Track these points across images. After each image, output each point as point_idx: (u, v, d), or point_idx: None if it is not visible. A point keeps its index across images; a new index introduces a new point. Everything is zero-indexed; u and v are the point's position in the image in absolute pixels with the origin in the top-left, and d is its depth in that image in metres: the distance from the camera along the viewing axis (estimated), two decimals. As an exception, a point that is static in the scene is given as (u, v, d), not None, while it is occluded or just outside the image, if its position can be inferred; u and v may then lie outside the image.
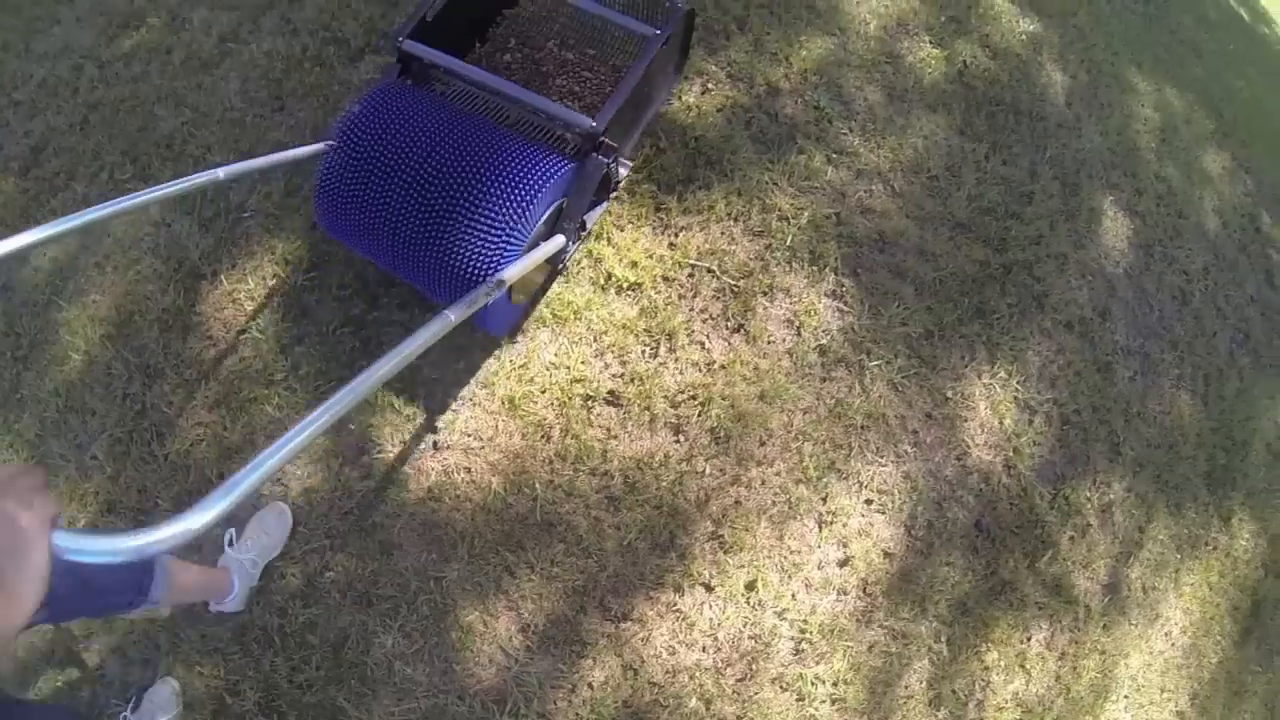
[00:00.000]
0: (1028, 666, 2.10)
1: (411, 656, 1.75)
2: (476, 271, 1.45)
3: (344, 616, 1.80)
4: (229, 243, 2.23)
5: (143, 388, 2.07)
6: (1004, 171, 2.62)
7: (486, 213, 1.46)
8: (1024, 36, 3.27)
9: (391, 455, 1.82)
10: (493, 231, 1.45)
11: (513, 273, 1.38)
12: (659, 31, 1.74)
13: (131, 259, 2.28)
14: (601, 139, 1.62)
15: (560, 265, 1.80)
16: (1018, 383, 2.26)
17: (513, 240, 1.47)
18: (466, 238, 1.46)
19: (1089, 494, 2.34)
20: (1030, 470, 2.20)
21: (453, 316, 1.19)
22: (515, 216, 1.47)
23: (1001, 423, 2.18)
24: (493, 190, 1.47)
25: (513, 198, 1.48)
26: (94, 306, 2.22)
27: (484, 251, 1.45)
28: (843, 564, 1.83)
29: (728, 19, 2.52)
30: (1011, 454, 2.17)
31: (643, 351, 1.92)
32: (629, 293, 1.96)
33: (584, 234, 1.85)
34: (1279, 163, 4.27)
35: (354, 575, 1.79)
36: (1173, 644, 2.52)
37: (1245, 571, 2.80)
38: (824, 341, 2.01)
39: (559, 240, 1.61)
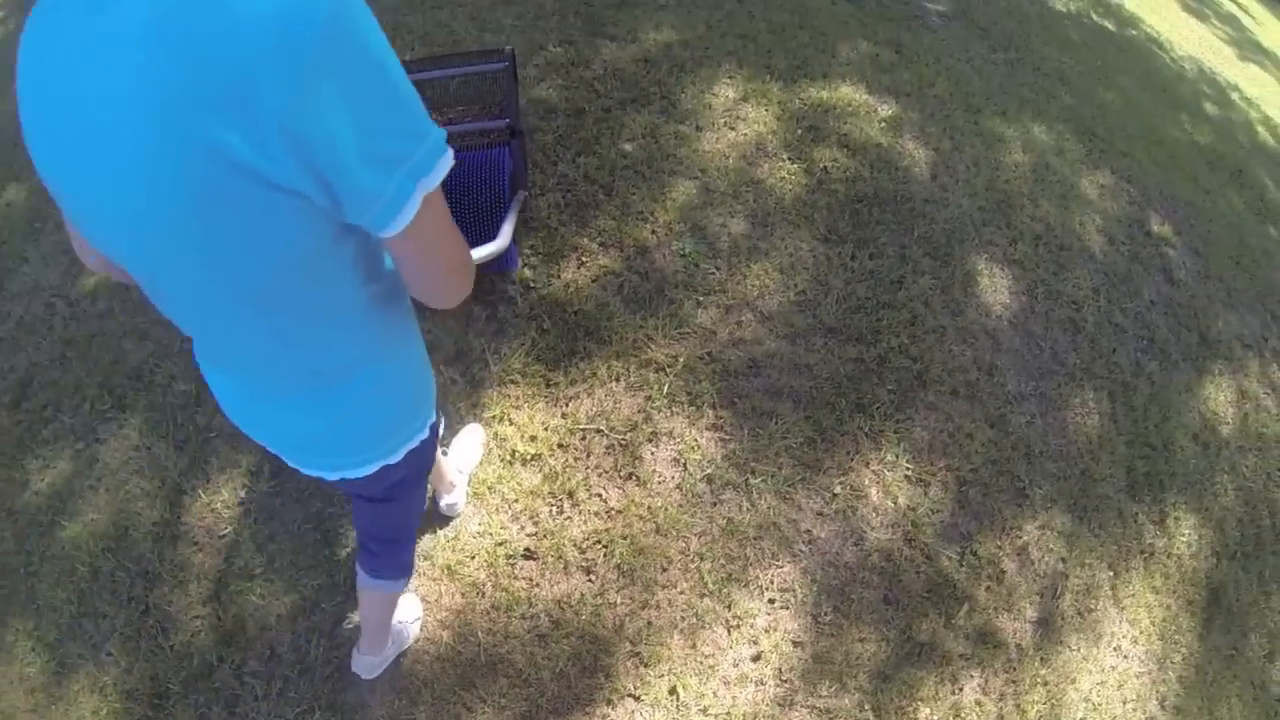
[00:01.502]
0: (964, 716, 2.26)
1: None
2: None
3: None
4: (201, 460, 2.51)
5: (144, 591, 2.34)
6: (871, 265, 2.88)
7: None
8: (883, 124, 3.55)
9: (356, 625, 2.11)
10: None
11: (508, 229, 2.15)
12: (505, 64, 2.49)
13: (120, 480, 2.55)
14: (517, 127, 2.37)
15: (528, 211, 2.55)
16: (906, 461, 2.48)
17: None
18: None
19: (999, 543, 2.52)
20: (932, 537, 2.40)
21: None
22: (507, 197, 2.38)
23: (895, 502, 2.39)
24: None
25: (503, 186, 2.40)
26: (93, 524, 2.49)
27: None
28: (755, 659, 2.03)
29: (595, 188, 2.83)
30: (910, 528, 2.38)
31: (550, 511, 2.17)
32: (532, 463, 2.22)
33: (530, 188, 2.67)
34: (1159, 161, 4.43)
35: None
36: (1125, 657, 2.63)
37: (1194, 565, 2.90)
38: (709, 471, 2.24)
39: (521, 194, 2.38)
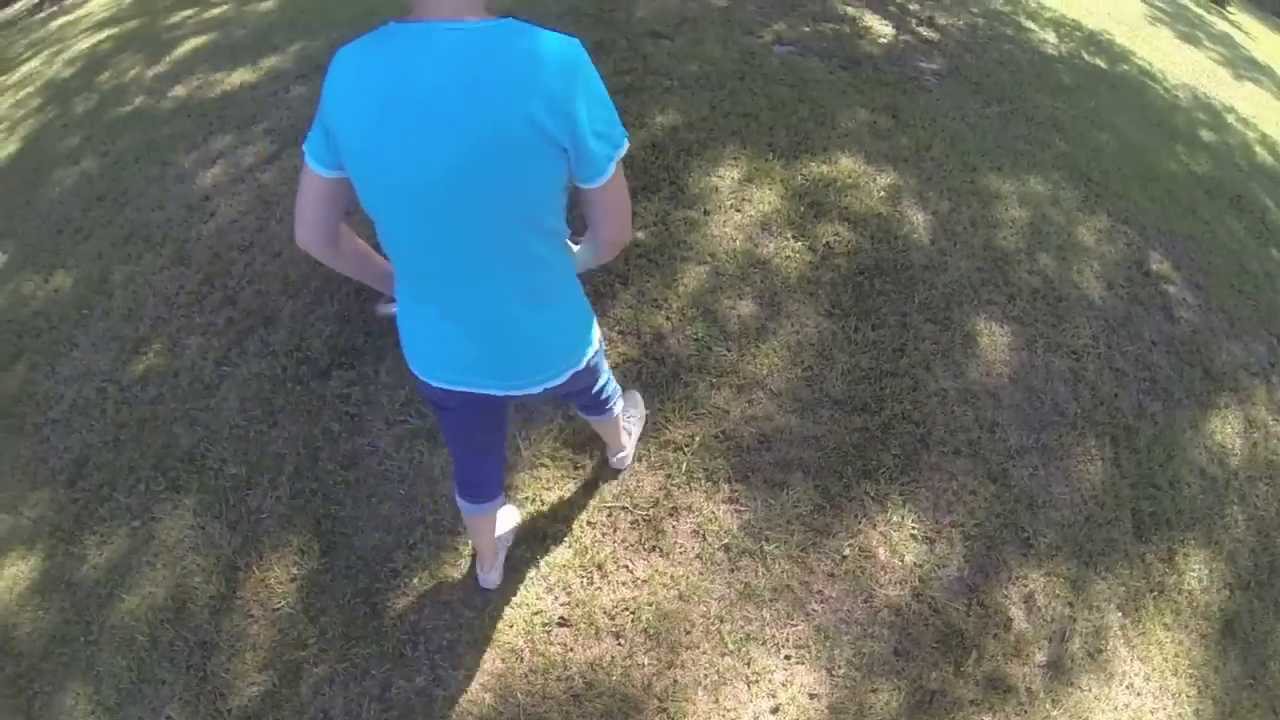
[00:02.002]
0: (978, 759, 2.43)
1: None
2: None
3: None
4: (254, 539, 2.72)
5: (202, 659, 2.52)
6: (874, 336, 3.10)
7: None
8: (882, 193, 3.78)
9: (406, 688, 2.33)
10: None
11: None
12: None
13: (176, 556, 2.75)
14: None
15: None
16: (912, 521, 2.67)
17: None
18: None
19: (1005, 592, 2.68)
20: (939, 591, 2.58)
21: None
22: None
23: (902, 560, 2.58)
24: None
25: None
26: (151, 596, 2.68)
27: None
28: (774, 711, 2.22)
29: (612, 278, 3.10)
30: (918, 583, 2.56)
31: (581, 582, 2.40)
32: (563, 540, 2.47)
33: None
34: (1155, 198, 4.54)
35: None
36: (1138, 694, 2.72)
37: (1206, 598, 2.98)
38: (726, 540, 2.46)
39: None
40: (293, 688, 2.41)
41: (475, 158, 1.20)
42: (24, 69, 7.26)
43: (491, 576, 2.43)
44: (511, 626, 2.38)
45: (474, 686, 2.31)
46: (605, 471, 2.59)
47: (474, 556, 2.48)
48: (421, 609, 2.47)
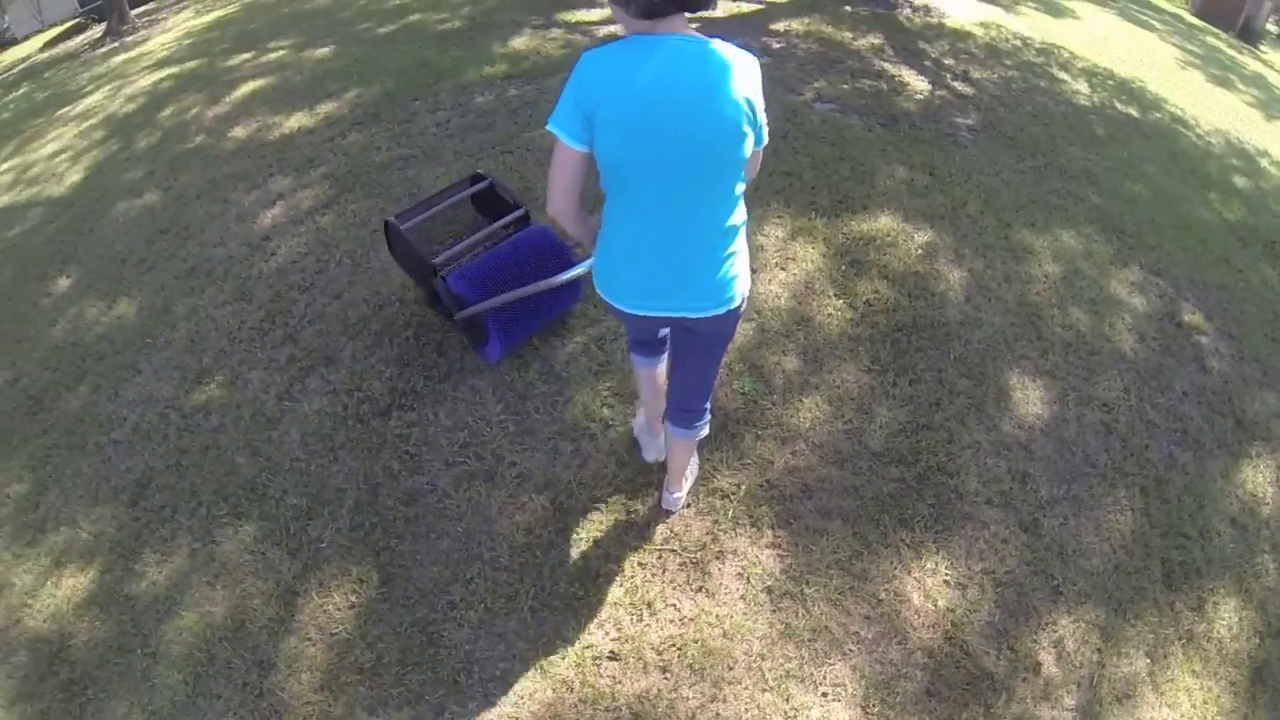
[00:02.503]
0: (1007, 798, 2.56)
1: None
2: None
3: None
4: (314, 567, 2.87)
5: (259, 677, 2.63)
6: (911, 391, 3.28)
7: None
8: (919, 251, 3.97)
9: (458, 716, 2.48)
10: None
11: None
12: (487, 181, 3.76)
13: (236, 579, 2.89)
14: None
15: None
16: (945, 568, 2.83)
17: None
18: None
19: (1035, 638, 2.80)
20: (971, 635, 2.72)
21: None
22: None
23: (935, 605, 2.74)
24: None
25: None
26: (210, 615, 2.81)
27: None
28: (812, 746, 2.43)
29: (668, 335, 3.35)
30: (950, 627, 2.71)
31: (630, 619, 2.58)
32: (615, 578, 2.66)
33: None
34: (1188, 248, 4.62)
35: None
36: None
37: (1235, 646, 3.04)
38: (769, 583, 2.64)
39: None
40: (348, 709, 2.55)
41: (716, 130, 1.69)
42: (86, 102, 7.72)
43: (676, 496, 2.73)
44: (563, 659, 2.56)
45: (524, 715, 2.46)
46: (656, 515, 2.80)
47: (660, 485, 2.86)
48: (476, 640, 2.64)
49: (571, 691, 2.48)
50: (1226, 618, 3.09)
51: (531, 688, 2.51)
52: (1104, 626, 2.94)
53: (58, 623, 3.00)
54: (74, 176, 6.04)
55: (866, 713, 2.49)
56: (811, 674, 2.52)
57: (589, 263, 2.20)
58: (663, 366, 2.63)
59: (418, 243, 3.27)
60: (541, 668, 2.54)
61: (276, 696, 2.61)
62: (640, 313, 2.03)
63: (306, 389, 3.47)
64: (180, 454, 3.38)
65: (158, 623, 2.87)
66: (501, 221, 3.50)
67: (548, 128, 1.78)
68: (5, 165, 6.94)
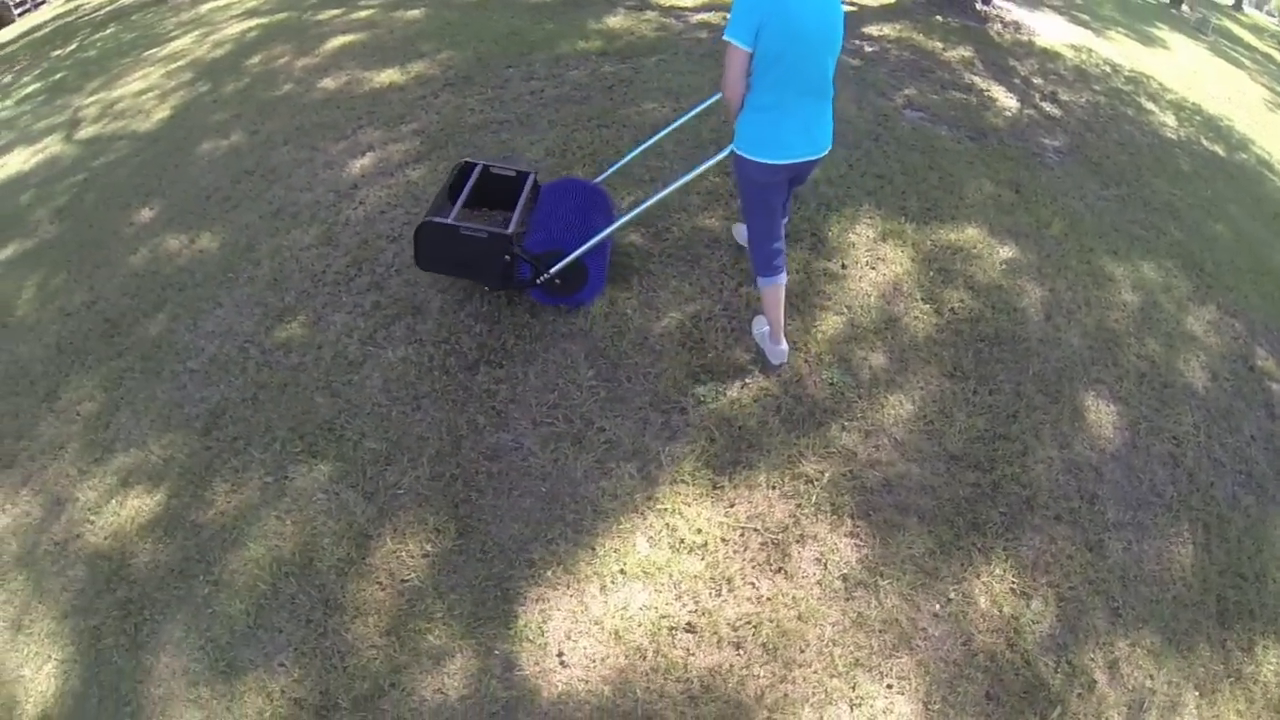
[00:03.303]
0: (1054, 807, 2.58)
1: None
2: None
3: None
4: (390, 513, 2.87)
5: (324, 616, 2.65)
6: (990, 400, 3.28)
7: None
8: (1003, 265, 3.95)
9: (528, 673, 2.49)
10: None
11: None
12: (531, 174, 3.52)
13: (308, 516, 2.89)
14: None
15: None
16: (1013, 576, 2.84)
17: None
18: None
19: (1093, 655, 2.81)
20: (1032, 644, 2.74)
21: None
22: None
23: (1001, 610, 2.76)
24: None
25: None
26: (277, 549, 2.82)
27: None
28: (874, 736, 2.46)
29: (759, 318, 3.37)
30: (1013, 634, 2.73)
31: (709, 593, 2.61)
32: (697, 552, 2.68)
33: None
34: (1266, 293, 4.58)
35: None
36: None
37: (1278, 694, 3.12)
38: (845, 571, 2.67)
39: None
40: (414, 657, 2.56)
41: (834, 36, 2.61)
42: (173, 45, 7.74)
43: (782, 348, 3.14)
44: (639, 626, 2.59)
45: (595, 677, 2.48)
46: (740, 494, 2.82)
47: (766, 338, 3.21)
48: (553, 600, 2.65)
49: (644, 660, 2.51)
50: (1275, 664, 3.08)
51: (604, 652, 2.53)
52: (1158, 654, 2.95)
53: (119, 541, 3.03)
54: (161, 114, 6.09)
55: (928, 709, 2.52)
56: (879, 665, 2.55)
57: (721, 154, 2.91)
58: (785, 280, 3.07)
59: (477, 226, 3.14)
60: (616, 633, 2.56)
61: (340, 637, 2.62)
62: (793, 159, 2.73)
63: (391, 336, 3.48)
64: (257, 388, 3.40)
65: (223, 551, 2.89)
66: (526, 188, 3.53)
67: (725, 37, 2.54)
68: (91, 99, 7.02)
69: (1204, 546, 3.29)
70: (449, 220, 3.15)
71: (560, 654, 2.53)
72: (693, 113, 3.56)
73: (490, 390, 3.20)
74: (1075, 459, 3.27)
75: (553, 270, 3.16)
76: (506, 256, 3.12)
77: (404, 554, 2.79)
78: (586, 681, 2.48)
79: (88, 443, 3.43)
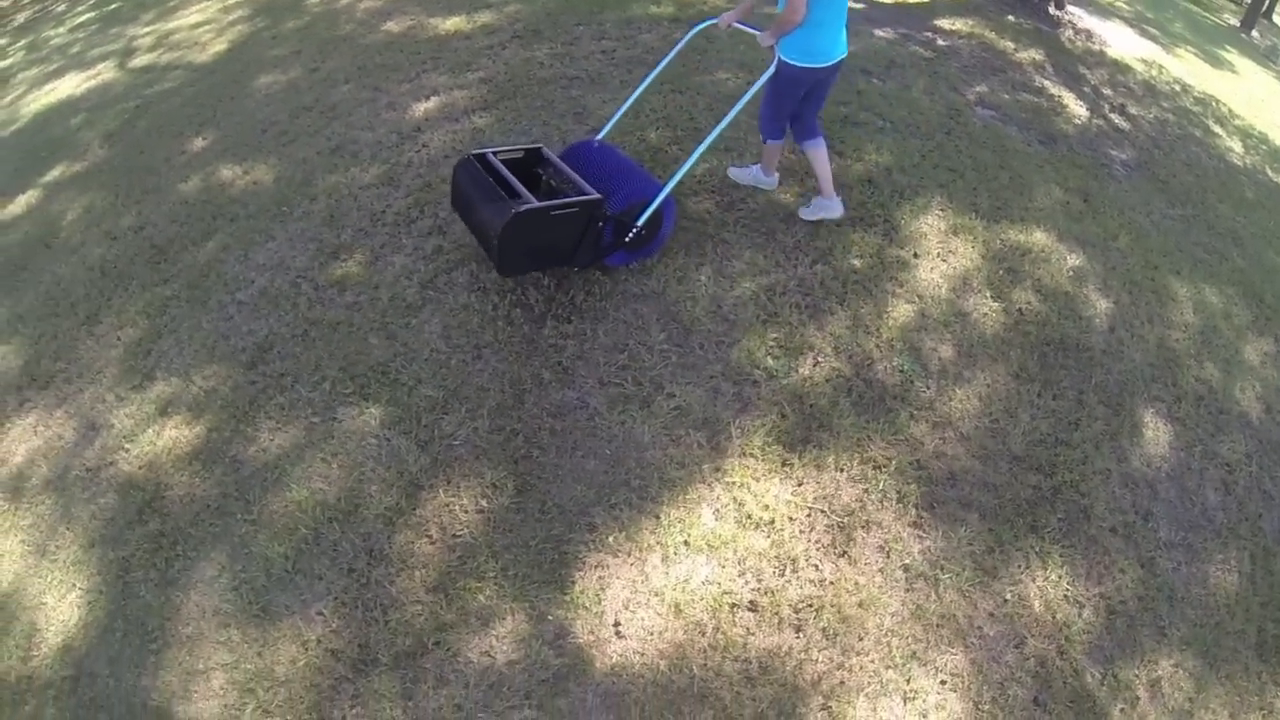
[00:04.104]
0: (1091, 816, 2.54)
1: None
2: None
3: None
4: (444, 464, 2.76)
5: (367, 565, 2.54)
6: (1054, 405, 3.20)
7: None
8: (1070, 272, 3.86)
9: (581, 641, 2.40)
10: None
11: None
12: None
13: (356, 461, 2.78)
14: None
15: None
16: (1067, 583, 2.78)
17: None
18: None
19: (1137, 671, 2.77)
20: (1081, 654, 2.69)
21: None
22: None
23: (1054, 616, 2.70)
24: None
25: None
26: (321, 493, 2.71)
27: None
28: (923, 732, 2.40)
29: (830, 298, 3.26)
30: (1064, 641, 2.68)
31: (773, 571, 2.53)
32: (763, 529, 2.61)
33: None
34: None
35: None
36: None
37: None
38: (907, 561, 2.61)
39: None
40: (460, 615, 2.45)
41: None
42: None
43: (774, 178, 3.71)
44: (700, 601, 2.50)
45: (652, 651, 2.40)
46: (809, 474, 2.74)
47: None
48: (612, 568, 2.56)
49: (703, 636, 2.43)
50: (1306, 699, 3.07)
51: (663, 625, 2.45)
52: (1198, 677, 2.90)
53: (154, 472, 2.94)
54: (217, 47, 5.96)
55: (978, 709, 2.47)
56: (934, 659, 2.49)
57: (770, 69, 3.14)
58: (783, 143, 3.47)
59: (564, 202, 2.88)
60: (677, 607, 2.48)
61: (384, 589, 2.52)
62: (833, 60, 3.12)
63: (453, 283, 3.37)
64: (309, 325, 3.29)
65: (264, 491, 2.79)
66: (557, 159, 3.26)
67: None
68: (146, 29, 6.86)
69: (1249, 576, 3.24)
70: (539, 203, 2.82)
71: (617, 624, 2.44)
72: (675, 50, 3.59)
73: (557, 345, 3.10)
74: (1132, 474, 3.21)
75: (640, 221, 3.04)
76: (600, 223, 2.98)
77: (457, 508, 2.69)
78: (642, 655, 2.40)
79: (127, 369, 3.35)
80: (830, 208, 3.55)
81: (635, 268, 3.28)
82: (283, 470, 2.82)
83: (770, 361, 3.00)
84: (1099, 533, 2.97)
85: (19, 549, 2.91)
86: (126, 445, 3.07)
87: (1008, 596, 2.68)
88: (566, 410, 2.92)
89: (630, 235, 3.07)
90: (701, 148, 3.04)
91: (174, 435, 3.03)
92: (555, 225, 2.88)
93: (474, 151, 3.11)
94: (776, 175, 3.76)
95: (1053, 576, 2.78)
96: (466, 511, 2.68)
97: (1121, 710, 2.69)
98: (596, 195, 2.93)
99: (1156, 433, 3.40)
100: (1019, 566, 2.75)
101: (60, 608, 2.72)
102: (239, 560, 2.64)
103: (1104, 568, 2.90)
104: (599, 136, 3.45)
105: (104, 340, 3.50)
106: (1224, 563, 3.20)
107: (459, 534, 2.64)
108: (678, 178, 3.03)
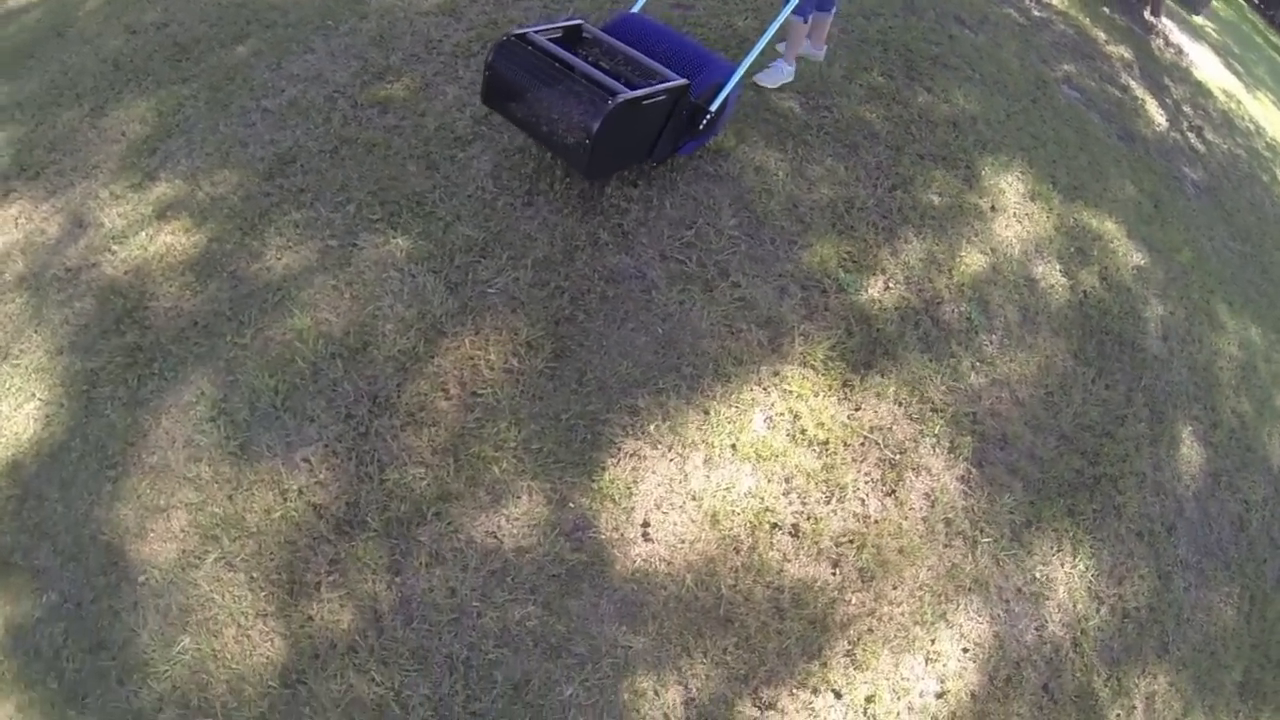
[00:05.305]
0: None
1: (587, 707, 2.10)
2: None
3: (531, 662, 2.13)
4: (474, 311, 2.56)
5: (370, 413, 2.34)
6: (1105, 395, 3.18)
7: None
8: (1134, 271, 3.85)
9: (603, 538, 2.25)
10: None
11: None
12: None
13: (373, 294, 2.57)
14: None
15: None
16: (1092, 576, 2.77)
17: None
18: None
19: (1138, 681, 2.79)
20: (1093, 650, 2.69)
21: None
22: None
23: (1075, 606, 2.69)
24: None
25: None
26: (327, 324, 2.50)
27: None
28: (939, 696, 2.32)
29: (906, 226, 3.13)
30: (1079, 634, 2.67)
31: (819, 497, 2.43)
32: (816, 448, 2.49)
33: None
34: None
35: (549, 629, 2.15)
36: None
37: None
38: (950, 515, 2.55)
39: None
40: (469, 485, 2.28)
41: None
42: None
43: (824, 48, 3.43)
44: (739, 514, 2.36)
45: (680, 561, 2.26)
46: (867, 400, 2.63)
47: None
48: (649, 460, 2.41)
49: (738, 554, 2.30)
50: (1276, 749, 3.17)
51: (696, 534, 2.31)
52: (1187, 700, 2.97)
53: (140, 279, 2.69)
54: None
55: (993, 683, 2.44)
56: (961, 624, 2.45)
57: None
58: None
59: (652, 89, 2.56)
60: (714, 516, 2.34)
61: (384, 443, 2.32)
62: None
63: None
64: (340, 142, 3.05)
65: (261, 313, 2.55)
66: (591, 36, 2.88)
67: None
68: None
69: (1246, 615, 3.33)
70: (633, 92, 2.47)
71: (646, 524, 2.30)
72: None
73: (620, 207, 2.90)
74: (1164, 484, 3.23)
75: (714, 106, 2.80)
76: (683, 111, 2.70)
77: (482, 363, 2.48)
78: (669, 564, 2.27)
79: (128, 165, 3.08)
80: (789, 74, 3.33)
81: (710, 148, 3.07)
82: (286, 293, 2.60)
83: (842, 274, 2.86)
84: (1127, 533, 2.98)
85: (-21, 348, 2.63)
86: (114, 246, 2.81)
87: (1037, 575, 2.66)
88: (621, 277, 2.73)
89: (704, 121, 2.82)
90: (776, 23, 2.85)
91: (169, 241, 2.79)
92: (642, 117, 2.59)
93: (514, 31, 2.67)
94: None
95: (1080, 566, 2.77)
96: (493, 369, 2.48)
97: (1118, 716, 2.71)
98: (682, 80, 2.64)
99: (1191, 452, 3.44)
100: (1051, 547, 2.73)
101: (14, 418, 2.49)
102: (222, 388, 2.43)
103: (1126, 570, 2.92)
104: (637, 7, 3.10)
105: (107, 134, 3.21)
106: (1227, 596, 3.28)
107: (480, 393, 2.44)
108: (752, 56, 2.82)
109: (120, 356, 2.53)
